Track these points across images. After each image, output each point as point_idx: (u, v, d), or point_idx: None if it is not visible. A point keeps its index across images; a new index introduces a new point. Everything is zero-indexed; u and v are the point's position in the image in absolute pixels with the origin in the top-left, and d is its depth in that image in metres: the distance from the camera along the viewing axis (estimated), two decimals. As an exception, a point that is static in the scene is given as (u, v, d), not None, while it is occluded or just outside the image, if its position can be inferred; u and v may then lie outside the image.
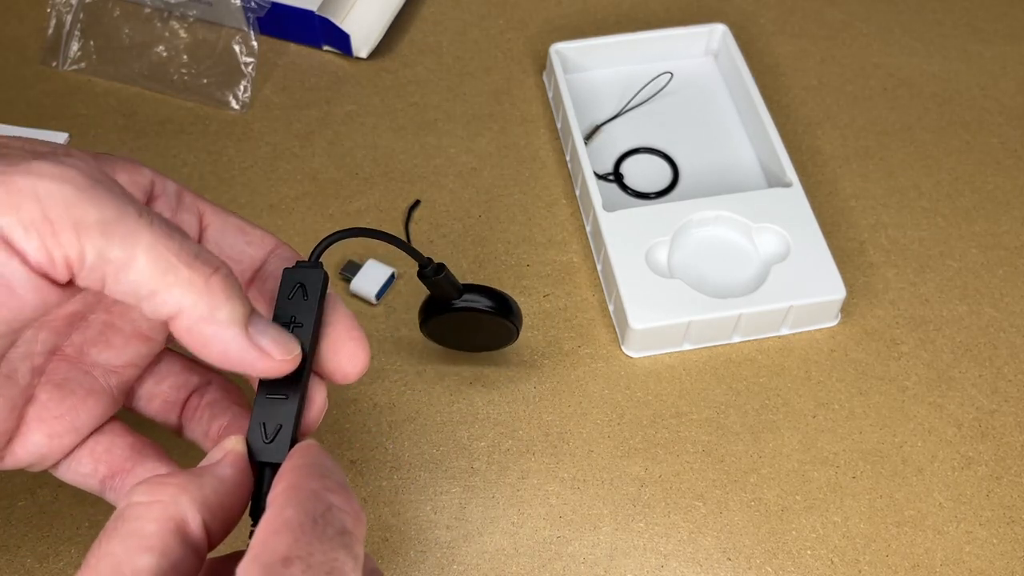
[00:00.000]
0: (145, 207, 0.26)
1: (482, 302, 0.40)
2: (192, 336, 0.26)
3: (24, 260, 0.24)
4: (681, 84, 0.57)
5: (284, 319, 0.29)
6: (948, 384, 0.46)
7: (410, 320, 0.48)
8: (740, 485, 0.43)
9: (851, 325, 0.48)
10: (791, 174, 0.50)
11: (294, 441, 0.28)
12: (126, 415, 0.32)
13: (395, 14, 0.60)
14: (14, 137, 0.27)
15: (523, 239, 0.51)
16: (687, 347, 0.47)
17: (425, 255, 0.37)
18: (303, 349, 0.28)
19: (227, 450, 0.27)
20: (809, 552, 0.41)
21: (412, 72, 0.58)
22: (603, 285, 0.49)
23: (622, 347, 0.47)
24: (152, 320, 0.30)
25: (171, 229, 0.26)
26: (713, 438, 0.44)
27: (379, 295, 0.48)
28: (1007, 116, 0.57)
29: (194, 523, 0.25)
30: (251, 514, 0.27)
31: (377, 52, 0.59)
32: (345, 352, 0.30)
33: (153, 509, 0.24)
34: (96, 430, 0.31)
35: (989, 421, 0.45)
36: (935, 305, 0.49)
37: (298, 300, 0.29)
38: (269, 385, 0.28)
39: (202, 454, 0.31)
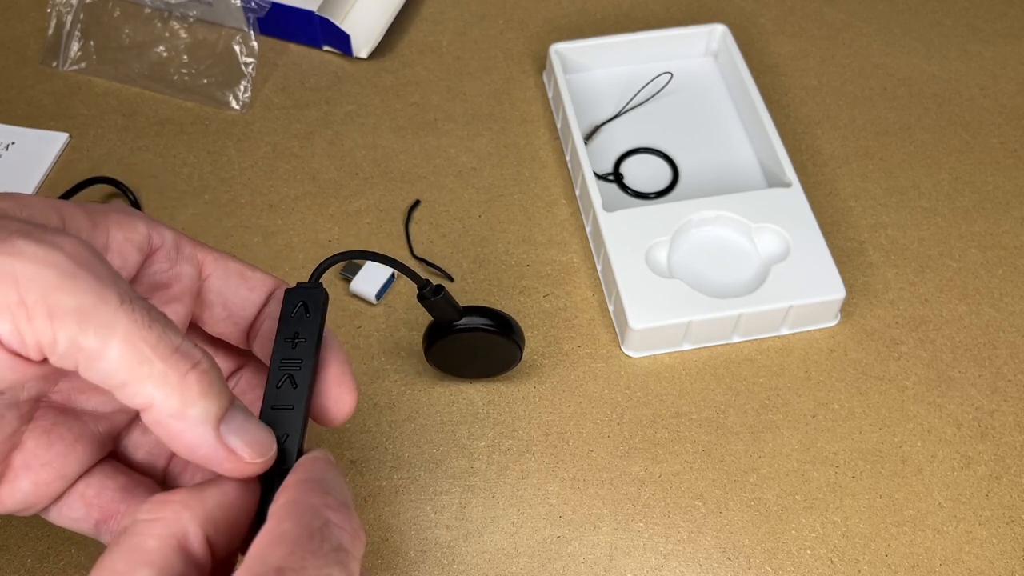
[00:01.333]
0: (130, 292, 0.25)
1: (482, 322, 0.41)
2: (160, 429, 0.26)
3: None
4: (681, 84, 0.57)
5: (288, 335, 0.30)
6: (948, 384, 0.46)
7: (410, 320, 0.48)
8: (740, 485, 0.43)
9: (851, 325, 0.48)
10: (791, 174, 0.50)
11: (300, 452, 0.28)
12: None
13: (395, 14, 0.60)
14: (15, 198, 0.27)
15: (523, 239, 0.51)
16: (687, 347, 0.47)
17: (424, 277, 0.38)
18: (307, 367, 0.29)
19: None
20: (809, 552, 0.41)
21: (412, 72, 0.58)
22: (603, 285, 0.49)
23: (622, 347, 0.47)
24: None
25: (152, 319, 0.25)
26: (713, 438, 0.44)
27: (379, 295, 0.48)
28: (1007, 116, 0.57)
29: (196, 539, 0.25)
30: (255, 526, 0.28)
31: (377, 52, 0.59)
32: (332, 397, 0.30)
33: (155, 526, 0.25)
34: (85, 473, 0.30)
35: (988, 421, 0.45)
36: (935, 305, 0.49)
37: (300, 317, 0.30)
38: (275, 396, 0.29)
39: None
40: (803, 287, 0.46)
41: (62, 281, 0.24)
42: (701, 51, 0.58)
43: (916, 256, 0.51)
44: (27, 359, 0.25)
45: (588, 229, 0.51)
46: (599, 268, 0.50)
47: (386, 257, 0.33)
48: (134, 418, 0.32)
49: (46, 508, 0.30)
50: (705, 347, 0.47)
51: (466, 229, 0.51)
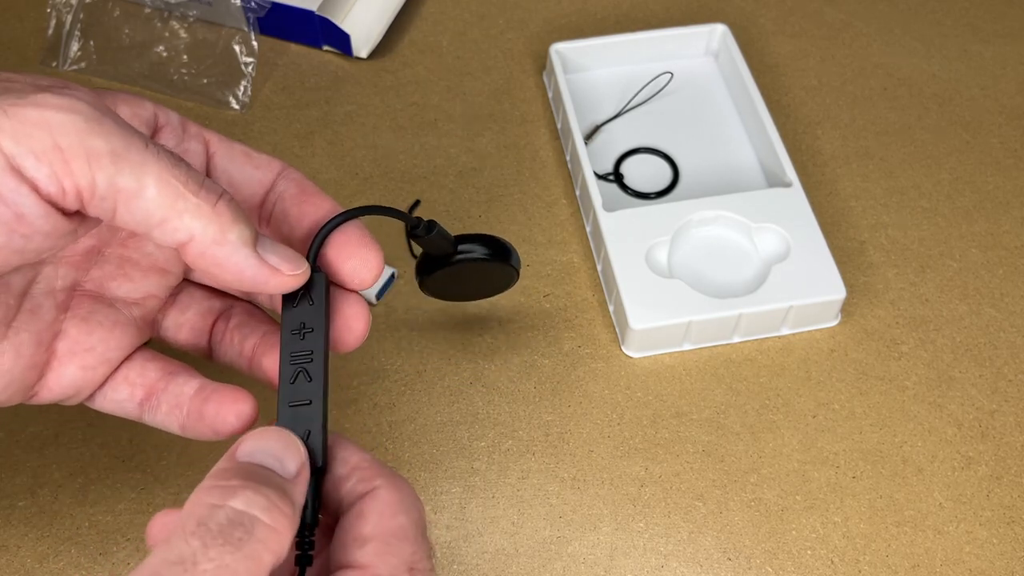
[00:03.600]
0: (150, 138, 0.26)
1: (479, 251, 0.39)
2: (205, 260, 0.27)
3: (34, 188, 0.25)
4: (681, 84, 0.57)
5: (294, 327, 0.30)
6: (948, 384, 0.46)
7: (411, 320, 0.48)
8: (740, 485, 0.43)
9: (851, 325, 0.48)
10: (791, 174, 0.50)
11: (325, 447, 0.28)
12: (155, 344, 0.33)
13: (395, 14, 0.60)
14: (16, 71, 0.28)
15: (523, 239, 0.51)
16: (687, 347, 0.47)
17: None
18: (321, 347, 0.29)
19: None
20: (809, 552, 0.41)
21: (412, 72, 0.58)
22: (603, 285, 0.49)
23: (622, 347, 0.47)
24: (165, 251, 0.32)
25: (176, 159, 0.26)
26: (713, 438, 0.44)
27: (379, 295, 0.48)
28: (1007, 116, 0.57)
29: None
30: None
31: (377, 52, 0.59)
32: (344, 322, 0.31)
33: (272, 539, 0.24)
34: (127, 358, 0.32)
35: (989, 421, 0.45)
36: (935, 305, 0.49)
37: (303, 306, 0.30)
38: (291, 393, 0.29)
39: (235, 376, 0.32)
40: (803, 287, 0.46)
41: (91, 125, 0.25)
42: (701, 51, 0.58)
43: (916, 256, 0.51)
44: (62, 211, 0.26)
45: (588, 229, 0.51)
46: (599, 268, 0.49)
47: (370, 208, 0.32)
48: (164, 302, 0.33)
49: (91, 396, 0.31)
50: (705, 347, 0.47)
51: (466, 229, 0.51)
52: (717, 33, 0.57)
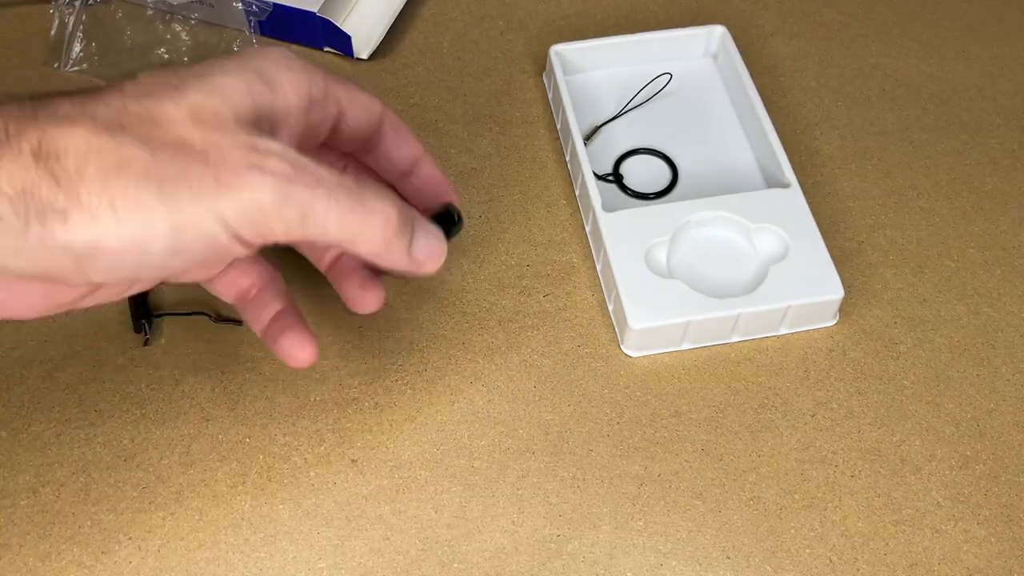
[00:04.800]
0: (324, 174, 0.32)
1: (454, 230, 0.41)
2: (369, 258, 0.35)
3: (245, 244, 0.32)
4: (680, 85, 0.57)
5: None
6: (946, 383, 0.46)
7: (411, 320, 0.48)
8: (739, 484, 0.43)
9: (849, 325, 0.48)
10: (790, 175, 0.50)
11: None
12: None
13: (395, 15, 0.60)
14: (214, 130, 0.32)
15: (523, 239, 0.51)
16: (686, 347, 0.47)
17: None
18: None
19: None
20: (807, 551, 0.41)
21: (412, 73, 0.59)
22: (603, 285, 0.49)
23: (621, 347, 0.47)
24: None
25: (349, 189, 0.32)
26: (712, 437, 0.44)
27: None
28: (1005, 117, 0.57)
29: None
30: None
31: (378, 53, 0.59)
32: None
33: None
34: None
35: (987, 420, 0.45)
36: (933, 305, 0.49)
37: None
38: None
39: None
40: (802, 287, 0.46)
41: (285, 199, 0.31)
42: (700, 52, 0.58)
43: (914, 256, 0.51)
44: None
45: (588, 229, 0.51)
46: (599, 268, 0.50)
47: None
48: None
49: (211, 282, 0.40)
50: (704, 347, 0.47)
51: (466, 229, 0.51)
52: (716, 34, 0.57)
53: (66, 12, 0.58)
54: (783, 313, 0.47)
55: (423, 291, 0.49)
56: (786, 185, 0.50)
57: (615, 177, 0.53)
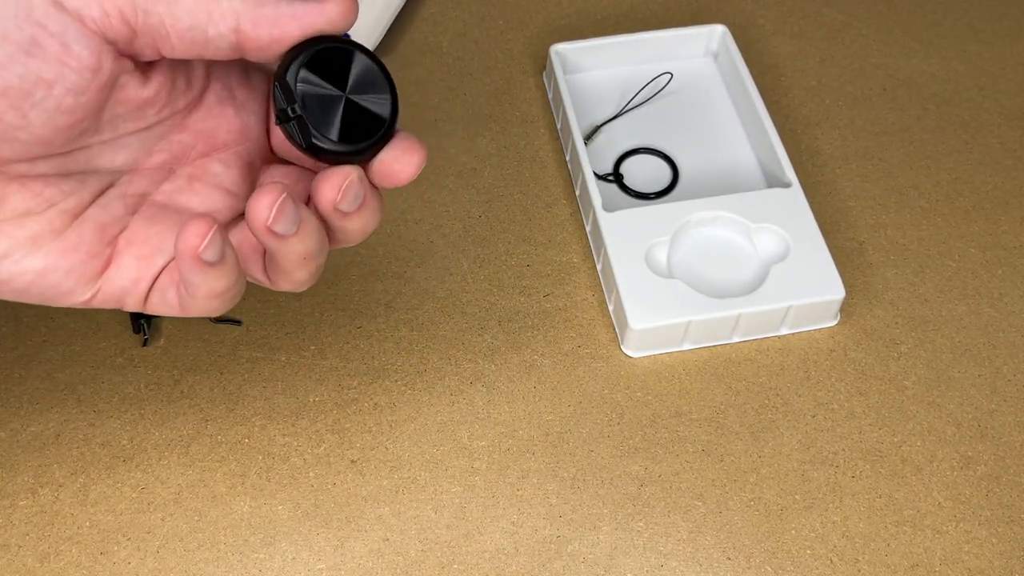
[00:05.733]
0: None
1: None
2: (261, 29, 0.29)
3: (78, 17, 0.27)
4: (681, 84, 0.57)
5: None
6: (947, 384, 0.46)
7: (411, 319, 0.48)
8: (740, 485, 0.43)
9: (850, 325, 0.48)
10: (790, 174, 0.50)
11: None
12: None
13: (395, 15, 0.60)
14: None
15: (523, 239, 0.51)
16: (687, 347, 0.47)
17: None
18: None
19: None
20: (808, 551, 0.41)
21: (412, 73, 0.58)
22: (603, 285, 0.49)
23: (622, 347, 0.47)
24: (232, 172, 0.34)
25: None
26: (713, 438, 0.44)
27: (379, 295, 0.48)
28: (1006, 116, 0.57)
29: None
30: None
31: (378, 53, 0.59)
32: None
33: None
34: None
35: (988, 421, 0.45)
36: (934, 305, 0.49)
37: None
38: None
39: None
40: (802, 287, 0.46)
41: None
42: (701, 51, 0.58)
43: (916, 256, 0.51)
44: (111, 43, 0.28)
45: (588, 229, 0.51)
46: (599, 268, 0.50)
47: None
48: (238, 215, 0.35)
49: (147, 296, 0.33)
50: (705, 347, 0.47)
51: (466, 229, 0.51)
52: (717, 34, 0.57)
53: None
54: (784, 313, 0.46)
55: (423, 291, 0.49)
56: (787, 185, 0.50)
57: (615, 177, 0.53)
